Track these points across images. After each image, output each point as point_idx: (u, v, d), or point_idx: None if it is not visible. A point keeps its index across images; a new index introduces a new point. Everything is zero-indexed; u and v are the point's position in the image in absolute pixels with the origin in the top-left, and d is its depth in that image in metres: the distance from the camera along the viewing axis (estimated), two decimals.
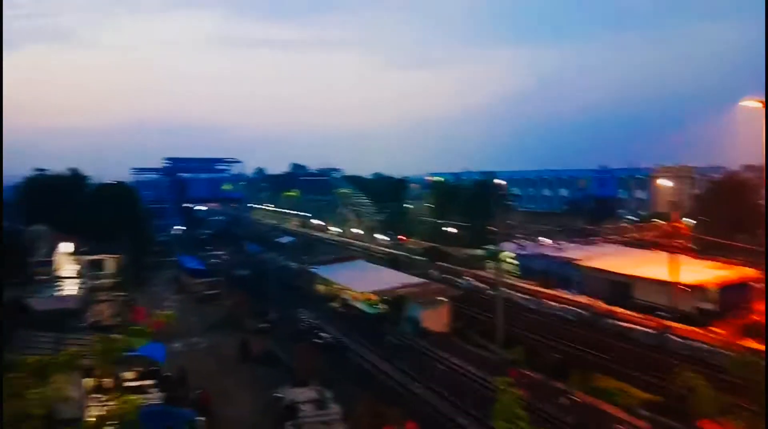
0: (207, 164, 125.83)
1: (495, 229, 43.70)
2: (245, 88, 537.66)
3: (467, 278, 50.83)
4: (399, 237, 73.80)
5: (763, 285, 36.96)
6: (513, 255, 49.73)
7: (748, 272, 37.41)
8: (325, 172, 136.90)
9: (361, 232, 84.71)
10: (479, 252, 56.06)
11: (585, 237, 55.85)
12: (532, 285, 44.99)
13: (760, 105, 45.06)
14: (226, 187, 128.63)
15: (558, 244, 51.31)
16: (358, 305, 40.68)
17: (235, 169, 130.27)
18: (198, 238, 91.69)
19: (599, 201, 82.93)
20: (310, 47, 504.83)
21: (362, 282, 41.88)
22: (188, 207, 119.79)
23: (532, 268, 47.58)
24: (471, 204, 67.16)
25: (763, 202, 54.55)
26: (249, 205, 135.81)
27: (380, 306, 38.48)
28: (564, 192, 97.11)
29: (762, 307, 34.43)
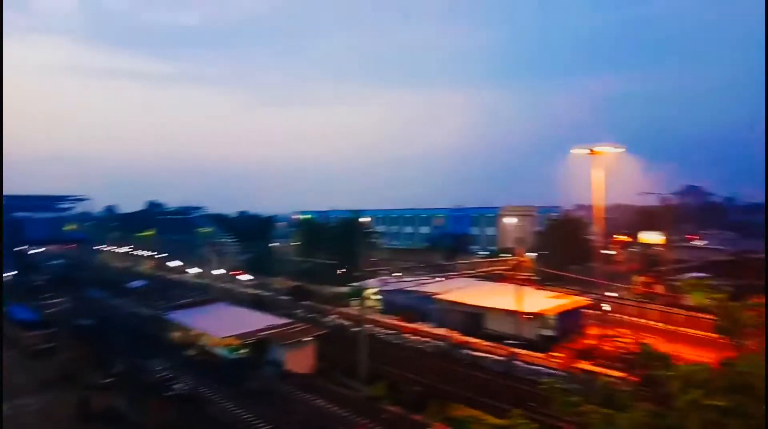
0: (46, 202, 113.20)
1: (360, 266, 44.54)
2: (102, 118, 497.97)
3: (332, 316, 50.83)
4: (236, 272, 72.17)
5: (592, 311, 41.68)
6: (377, 291, 50.85)
7: (580, 300, 41.99)
8: (185, 211, 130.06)
9: (223, 273, 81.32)
10: (345, 289, 56.50)
11: (443, 272, 58.90)
12: (395, 320, 46.19)
13: (589, 152, 51.33)
14: (69, 226, 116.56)
15: (419, 279, 53.49)
16: (218, 351, 38.67)
17: (81, 207, 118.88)
18: (32, 284, 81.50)
19: (455, 237, 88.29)
20: (177, 81, 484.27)
21: (222, 326, 39.97)
22: (22, 250, 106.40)
23: (395, 303, 48.95)
24: (337, 242, 67.83)
25: (592, 237, 61.83)
26: (95, 246, 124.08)
27: (241, 350, 36.94)
28: (424, 229, 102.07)
29: (593, 331, 38.69)
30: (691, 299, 34.19)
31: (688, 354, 29.77)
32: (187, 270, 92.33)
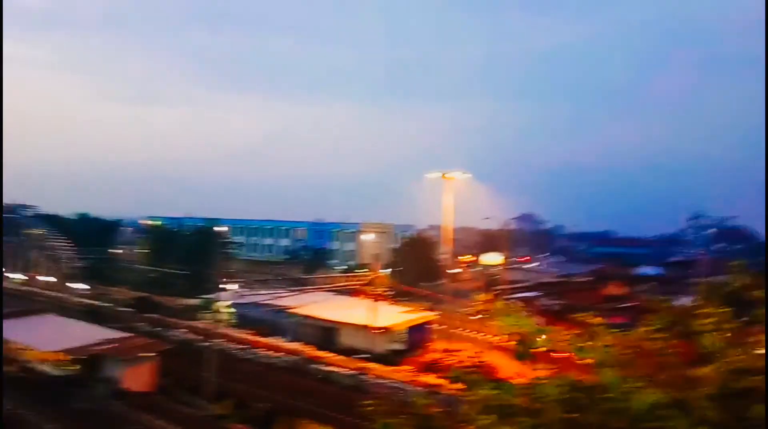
0: None
1: (214, 277, 42.87)
2: None
3: (180, 330, 48.15)
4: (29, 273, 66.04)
5: (437, 326, 44.46)
6: (230, 304, 49.25)
7: (428, 315, 44.57)
8: (11, 209, 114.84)
9: (54, 280, 73.11)
10: (195, 302, 53.88)
11: (300, 285, 58.83)
12: (247, 334, 45.06)
13: (441, 177, 54.72)
14: None
15: (275, 292, 52.85)
16: (42, 367, 34.69)
17: None
18: None
19: (315, 251, 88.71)
20: (14, 62, 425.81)
21: (49, 339, 35.92)
22: None
23: (248, 316, 47.76)
24: (190, 251, 64.54)
25: (441, 256, 65.90)
26: None
27: (70, 367, 33.55)
28: (284, 242, 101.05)
29: (438, 345, 41.20)
30: (500, 322, 38.08)
31: (514, 367, 33.01)
32: (9, 276, 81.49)
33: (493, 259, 72.98)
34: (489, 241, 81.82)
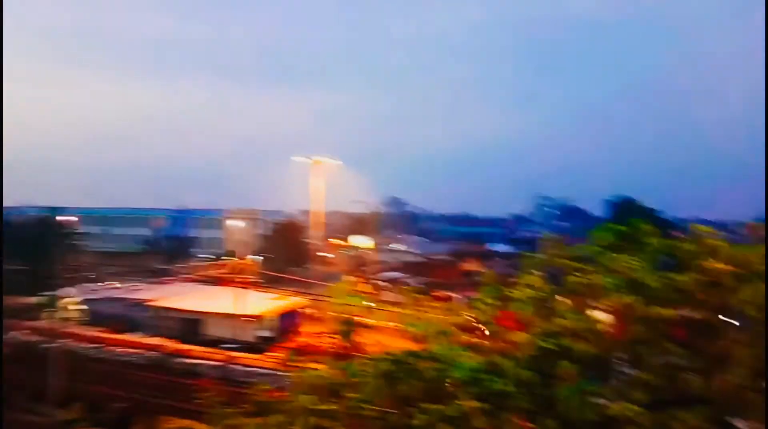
0: None
1: (60, 272, 38.89)
2: None
3: (19, 332, 43.09)
4: None
5: (308, 311, 44.64)
6: (79, 300, 45.08)
7: (299, 300, 44.52)
8: None
9: None
10: (37, 299, 48.47)
11: (160, 276, 55.49)
12: (100, 331, 41.64)
13: (310, 162, 54.36)
14: None
15: (132, 285, 49.34)
16: None
17: None
18: None
19: (176, 240, 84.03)
20: None
21: None
22: None
23: (101, 312, 44.09)
24: (30, 244, 57.72)
25: (311, 241, 66.01)
26: None
27: None
28: (142, 231, 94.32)
29: (308, 329, 41.41)
30: (336, 300, 39.43)
31: (383, 345, 34.33)
32: None
33: (362, 242, 74.61)
34: (358, 225, 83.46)
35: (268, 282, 50.19)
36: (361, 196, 78.27)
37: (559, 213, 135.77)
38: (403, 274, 61.10)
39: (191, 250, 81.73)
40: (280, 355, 35.53)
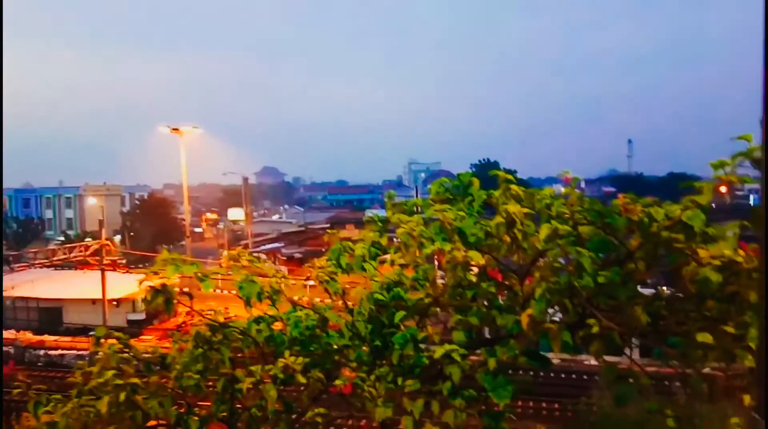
0: None
1: None
2: None
3: None
4: None
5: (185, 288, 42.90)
6: None
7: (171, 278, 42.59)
8: None
9: None
10: None
11: (6, 264, 49.86)
12: None
13: (174, 131, 51.31)
14: None
15: None
16: None
17: None
18: None
19: (23, 222, 75.54)
20: None
21: None
22: None
23: None
24: None
25: (181, 216, 62.91)
26: None
27: None
28: None
29: (184, 308, 39.89)
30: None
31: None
32: None
33: (236, 214, 72.50)
34: (232, 197, 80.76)
35: (136, 262, 47.35)
36: (233, 167, 75.65)
37: (430, 177, 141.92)
38: (281, 245, 60.71)
39: (42, 232, 74.06)
40: (153, 336, 34.08)
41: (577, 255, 3.28)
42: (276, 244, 61.73)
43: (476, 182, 4.39)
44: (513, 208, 3.46)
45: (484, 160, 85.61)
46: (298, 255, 52.40)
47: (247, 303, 4.61)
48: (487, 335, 4.22)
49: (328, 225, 76.02)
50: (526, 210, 3.59)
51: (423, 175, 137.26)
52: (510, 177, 4.00)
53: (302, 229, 73.90)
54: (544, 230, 3.32)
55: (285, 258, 51.14)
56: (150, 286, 4.36)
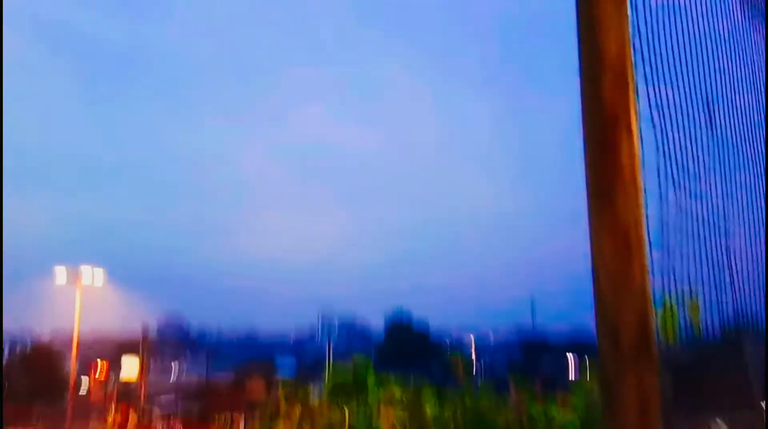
0: None
1: None
2: None
3: None
4: None
5: None
6: None
7: None
8: None
9: None
10: None
11: None
12: None
13: (69, 274, 48.64)
14: None
15: None
16: None
17: None
18: None
19: None
20: None
21: None
22: None
23: None
24: None
25: (66, 368, 57.25)
26: None
27: None
28: None
29: None
30: None
31: None
32: None
33: (131, 366, 66.83)
34: (129, 347, 74.85)
35: (10, 420, 41.63)
36: (135, 313, 71.46)
37: (342, 331, 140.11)
38: (179, 400, 56.13)
39: None
40: None
41: None
42: (171, 399, 56.90)
43: (371, 379, 4.92)
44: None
45: (396, 314, 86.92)
46: (194, 410, 48.49)
47: None
48: None
49: (233, 378, 71.59)
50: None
51: (335, 326, 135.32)
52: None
53: (204, 382, 69.11)
54: None
55: (182, 415, 47.17)
56: None
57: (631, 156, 1.59)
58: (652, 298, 1.57)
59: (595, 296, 1.59)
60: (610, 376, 1.53)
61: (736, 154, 2.70)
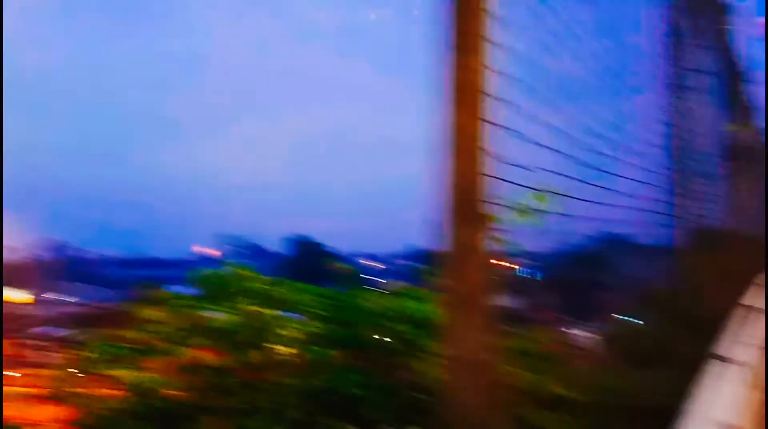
0: None
1: None
2: None
3: None
4: None
5: None
6: None
7: None
8: None
9: None
10: None
11: None
12: None
13: None
14: None
15: None
16: None
17: None
18: None
19: None
20: None
21: None
22: None
23: None
24: None
25: None
26: None
27: None
28: None
29: None
30: None
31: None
32: None
33: (15, 295, 62.27)
34: (8, 273, 69.23)
35: None
36: (11, 239, 65.57)
37: (247, 252, 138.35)
38: (61, 328, 53.36)
39: None
40: None
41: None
42: (57, 328, 53.95)
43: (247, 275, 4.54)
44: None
45: (299, 235, 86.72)
46: (81, 338, 46.32)
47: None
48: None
49: (123, 304, 69.07)
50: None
51: (236, 247, 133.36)
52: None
53: (90, 309, 66.23)
54: None
55: (59, 342, 44.85)
56: None
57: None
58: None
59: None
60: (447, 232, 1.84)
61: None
